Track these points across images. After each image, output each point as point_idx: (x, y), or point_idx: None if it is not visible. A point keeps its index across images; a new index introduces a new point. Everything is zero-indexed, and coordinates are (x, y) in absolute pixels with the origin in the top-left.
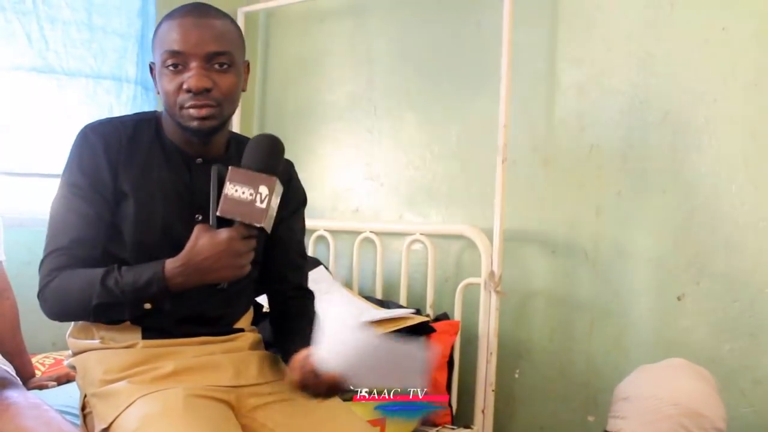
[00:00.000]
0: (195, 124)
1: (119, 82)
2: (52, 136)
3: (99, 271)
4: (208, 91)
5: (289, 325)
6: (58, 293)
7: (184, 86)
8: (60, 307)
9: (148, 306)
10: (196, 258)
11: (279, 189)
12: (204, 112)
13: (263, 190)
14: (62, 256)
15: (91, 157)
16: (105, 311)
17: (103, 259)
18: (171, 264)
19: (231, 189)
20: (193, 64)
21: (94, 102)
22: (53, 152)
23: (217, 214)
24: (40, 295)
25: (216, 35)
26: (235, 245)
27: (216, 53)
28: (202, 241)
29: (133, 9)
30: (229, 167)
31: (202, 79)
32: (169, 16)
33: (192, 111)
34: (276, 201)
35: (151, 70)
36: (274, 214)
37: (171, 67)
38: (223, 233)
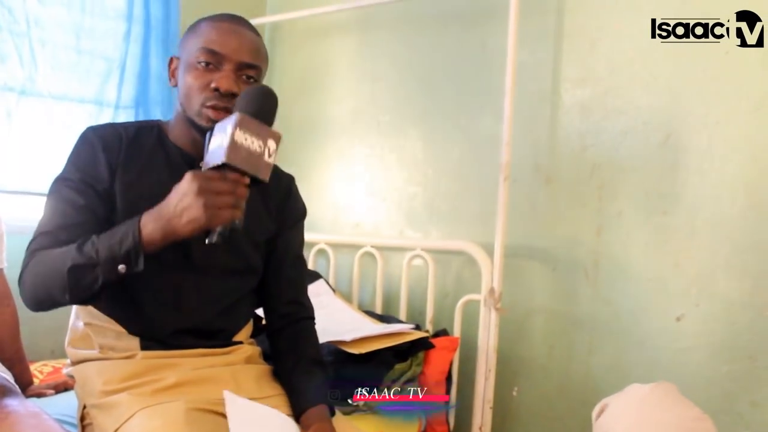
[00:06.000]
0: (208, 124)
1: (100, 106)
2: (40, 157)
3: (78, 241)
4: (233, 96)
5: (290, 365)
6: (36, 267)
7: (213, 85)
8: (36, 281)
9: (122, 268)
10: (166, 202)
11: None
12: (222, 116)
13: (272, 144)
14: (45, 238)
15: (88, 155)
16: (79, 276)
17: None
18: (146, 214)
19: (241, 137)
20: (226, 67)
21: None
22: (40, 172)
23: (224, 161)
24: (20, 277)
25: (253, 48)
26: (201, 182)
27: (248, 64)
28: (174, 187)
29: (119, 34)
30: (238, 113)
31: (232, 82)
32: (211, 18)
33: (210, 111)
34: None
35: (170, 62)
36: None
37: (203, 64)
38: (187, 174)
